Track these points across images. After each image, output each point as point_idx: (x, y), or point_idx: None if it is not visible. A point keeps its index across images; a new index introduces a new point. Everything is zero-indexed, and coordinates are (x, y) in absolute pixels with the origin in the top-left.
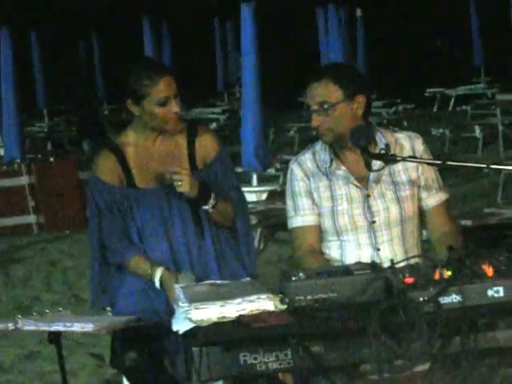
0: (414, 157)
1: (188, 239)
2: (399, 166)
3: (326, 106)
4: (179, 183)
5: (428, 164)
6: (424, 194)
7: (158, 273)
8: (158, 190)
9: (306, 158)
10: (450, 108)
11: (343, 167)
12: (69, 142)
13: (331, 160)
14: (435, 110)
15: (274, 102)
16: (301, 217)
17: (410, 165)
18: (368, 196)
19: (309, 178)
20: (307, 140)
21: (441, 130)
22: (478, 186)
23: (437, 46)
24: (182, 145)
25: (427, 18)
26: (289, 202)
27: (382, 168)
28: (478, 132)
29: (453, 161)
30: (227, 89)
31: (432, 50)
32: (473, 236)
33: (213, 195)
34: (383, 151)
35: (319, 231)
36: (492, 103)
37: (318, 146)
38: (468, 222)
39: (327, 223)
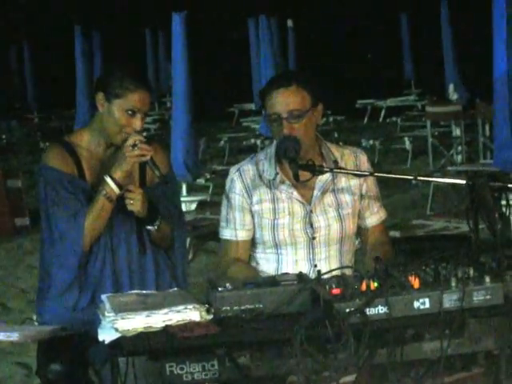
0: (344, 168)
1: (131, 255)
2: (343, 184)
3: (296, 114)
4: (131, 201)
5: (355, 175)
6: (366, 213)
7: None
8: None
9: (249, 167)
10: (381, 119)
11: (287, 182)
12: None
13: (276, 174)
14: (365, 121)
15: (204, 112)
16: (230, 230)
17: (354, 183)
18: (311, 212)
19: (249, 191)
20: (238, 150)
21: (371, 142)
22: (406, 198)
23: (367, 58)
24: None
25: (358, 30)
26: (223, 211)
27: (310, 179)
28: (407, 143)
29: (380, 172)
30: (158, 98)
31: (363, 61)
32: (400, 247)
33: (159, 216)
34: (310, 162)
35: (248, 246)
36: (422, 115)
37: (262, 155)
38: (396, 234)
39: (267, 236)
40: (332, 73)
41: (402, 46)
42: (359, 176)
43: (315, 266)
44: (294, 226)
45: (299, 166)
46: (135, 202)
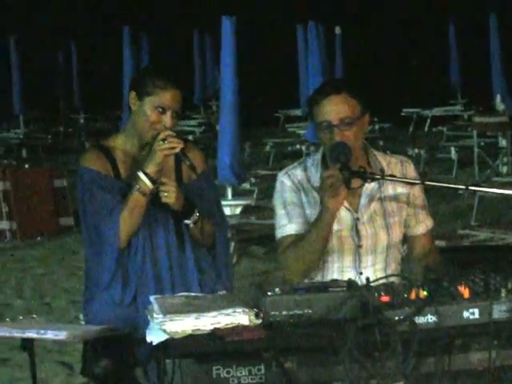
0: (394, 176)
1: (170, 250)
2: (390, 192)
3: (347, 121)
4: (165, 194)
5: (406, 183)
6: (412, 222)
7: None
8: None
9: (298, 172)
10: (426, 128)
11: None
12: (44, 149)
13: None
14: (411, 130)
15: (250, 117)
16: (295, 224)
17: (401, 191)
18: (357, 219)
19: (300, 192)
20: (283, 155)
21: (416, 151)
22: (452, 208)
23: (413, 66)
24: (169, 158)
25: (406, 39)
26: (280, 212)
27: (360, 186)
28: (453, 153)
29: (431, 181)
30: (204, 102)
31: (410, 69)
32: (447, 257)
33: (196, 211)
34: (362, 169)
35: None
36: (468, 125)
37: (309, 161)
38: (442, 243)
39: None
40: (379, 80)
41: (449, 55)
42: (408, 184)
43: (361, 273)
44: (342, 233)
45: (351, 173)
46: (169, 194)
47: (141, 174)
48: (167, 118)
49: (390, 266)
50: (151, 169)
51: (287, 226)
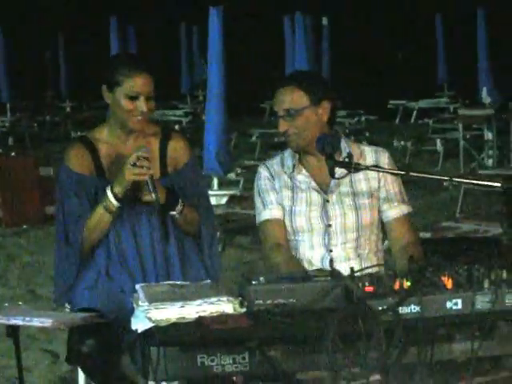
0: (378, 166)
1: (153, 242)
2: (360, 175)
3: (291, 112)
4: (146, 197)
5: (391, 174)
6: (385, 206)
7: (108, 190)
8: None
9: (274, 162)
10: (412, 121)
11: (305, 172)
12: (30, 137)
13: (293, 165)
14: (397, 122)
15: (237, 107)
16: (269, 210)
17: (371, 175)
18: (327, 201)
19: (274, 178)
20: (269, 145)
21: (402, 143)
22: (437, 200)
23: (398, 59)
24: (154, 148)
25: (393, 30)
26: (257, 200)
27: (345, 176)
28: (438, 145)
29: (416, 172)
30: (191, 91)
31: (395, 61)
32: (432, 248)
33: (180, 201)
34: (347, 159)
35: (284, 226)
36: (454, 118)
37: (287, 152)
38: (427, 235)
39: (286, 222)
40: (366, 72)
41: (436, 47)
42: (393, 174)
43: (331, 250)
44: (311, 214)
45: (336, 163)
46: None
47: (108, 193)
48: (141, 104)
49: (363, 246)
50: (119, 189)
51: (262, 212)
